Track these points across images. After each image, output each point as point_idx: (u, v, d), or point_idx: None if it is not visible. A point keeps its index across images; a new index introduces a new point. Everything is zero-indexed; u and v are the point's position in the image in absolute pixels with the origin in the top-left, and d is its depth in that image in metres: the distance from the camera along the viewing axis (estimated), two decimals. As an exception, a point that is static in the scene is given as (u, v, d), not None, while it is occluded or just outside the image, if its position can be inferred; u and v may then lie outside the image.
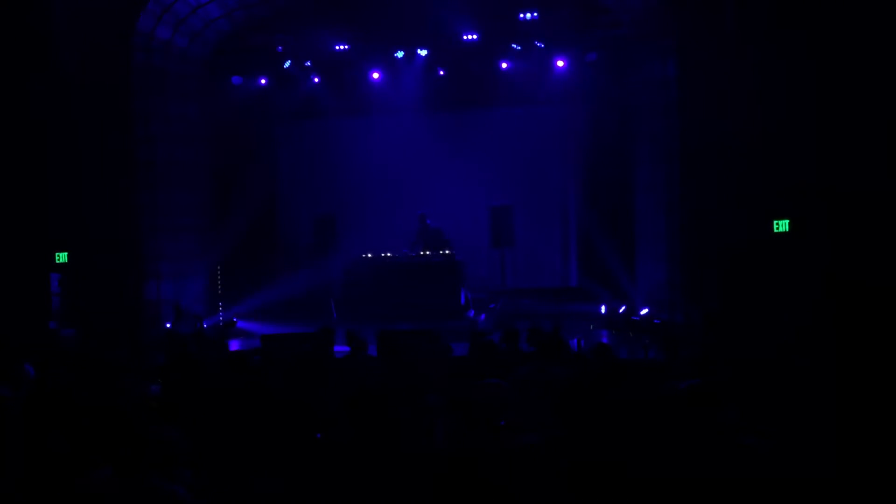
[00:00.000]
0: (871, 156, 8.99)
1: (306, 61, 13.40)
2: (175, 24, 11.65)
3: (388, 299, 11.53)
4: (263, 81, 13.66)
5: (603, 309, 12.00)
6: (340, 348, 7.42)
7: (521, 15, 12.40)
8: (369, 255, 12.34)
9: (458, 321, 11.14)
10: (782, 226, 9.69)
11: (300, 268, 13.18)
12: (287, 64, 13.31)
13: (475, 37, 12.75)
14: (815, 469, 3.12)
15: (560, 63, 12.91)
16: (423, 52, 13.10)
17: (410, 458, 3.19)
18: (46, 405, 3.79)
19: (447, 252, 12.15)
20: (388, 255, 12.34)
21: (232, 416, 4.31)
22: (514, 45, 12.78)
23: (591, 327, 11.40)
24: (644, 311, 11.42)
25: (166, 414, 4.33)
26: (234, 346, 10.68)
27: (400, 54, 13.16)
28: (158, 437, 3.03)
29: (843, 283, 8.67)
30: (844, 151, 9.07)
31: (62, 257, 10.98)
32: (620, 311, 11.86)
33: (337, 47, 13.13)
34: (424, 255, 12.16)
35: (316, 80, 13.72)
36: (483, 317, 11.68)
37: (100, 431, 3.28)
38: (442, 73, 13.42)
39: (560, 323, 9.58)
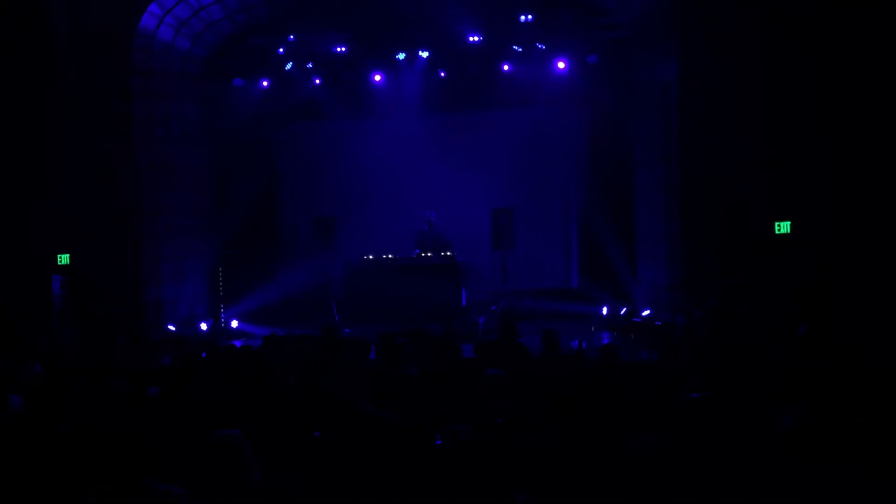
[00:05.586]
0: (879, 156, 8.95)
1: (307, 63, 13.38)
2: (177, 27, 11.68)
3: (389, 301, 11.53)
4: (265, 83, 13.63)
5: (604, 310, 11.99)
6: None
7: (522, 17, 12.40)
8: (370, 257, 12.33)
9: (460, 323, 11.13)
10: (783, 227, 9.67)
11: (301, 269, 13.18)
12: (288, 66, 13.29)
13: (476, 38, 12.74)
14: None
15: (561, 65, 12.89)
16: (425, 54, 13.08)
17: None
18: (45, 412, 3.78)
19: (448, 254, 12.14)
20: (390, 256, 12.33)
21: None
22: (516, 47, 12.77)
23: (593, 329, 11.39)
24: (645, 313, 11.40)
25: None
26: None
27: (401, 56, 13.14)
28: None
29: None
30: (850, 153, 9.03)
31: (64, 259, 11.00)
32: (622, 312, 11.84)
33: (338, 49, 13.12)
34: (425, 256, 12.15)
35: (317, 81, 13.70)
36: (483, 319, 11.67)
37: (99, 436, 3.27)
38: (443, 74, 13.41)
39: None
